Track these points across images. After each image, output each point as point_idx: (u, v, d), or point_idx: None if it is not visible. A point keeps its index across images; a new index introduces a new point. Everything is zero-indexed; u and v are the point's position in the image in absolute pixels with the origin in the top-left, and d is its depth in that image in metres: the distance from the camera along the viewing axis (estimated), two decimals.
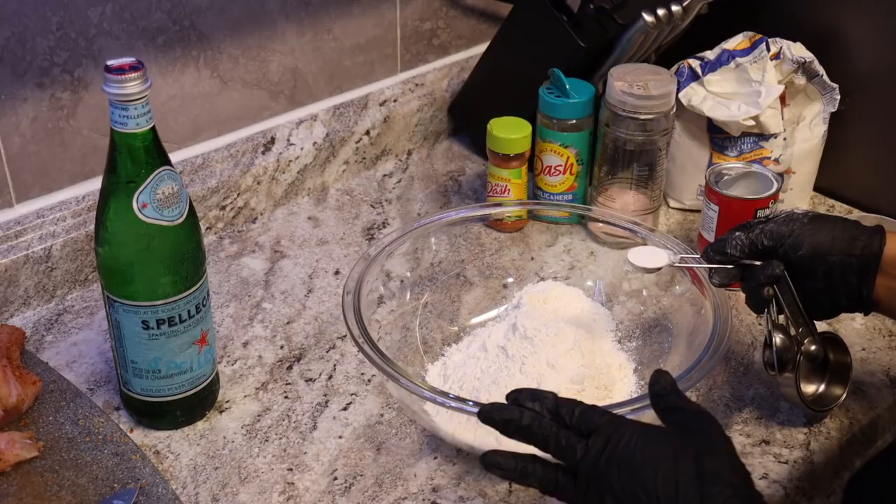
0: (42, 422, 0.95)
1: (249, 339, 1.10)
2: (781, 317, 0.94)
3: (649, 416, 0.92)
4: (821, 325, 0.98)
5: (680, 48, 1.31)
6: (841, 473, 1.01)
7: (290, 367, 1.06)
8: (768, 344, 0.94)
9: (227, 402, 1.02)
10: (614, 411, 0.88)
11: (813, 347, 0.95)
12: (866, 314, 0.94)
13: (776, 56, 1.22)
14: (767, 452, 0.97)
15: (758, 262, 0.94)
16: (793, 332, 0.94)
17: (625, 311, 1.09)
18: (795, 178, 1.28)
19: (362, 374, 1.06)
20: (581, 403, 0.80)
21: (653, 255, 0.99)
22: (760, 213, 1.14)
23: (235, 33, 1.22)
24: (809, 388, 0.98)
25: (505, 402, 0.81)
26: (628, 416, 0.91)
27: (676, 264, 0.98)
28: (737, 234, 0.95)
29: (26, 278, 1.10)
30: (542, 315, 1.03)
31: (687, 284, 1.04)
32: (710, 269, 0.96)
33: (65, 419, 0.95)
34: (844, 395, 0.99)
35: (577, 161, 1.24)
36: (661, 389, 0.81)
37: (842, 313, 0.95)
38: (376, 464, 0.96)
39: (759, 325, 1.10)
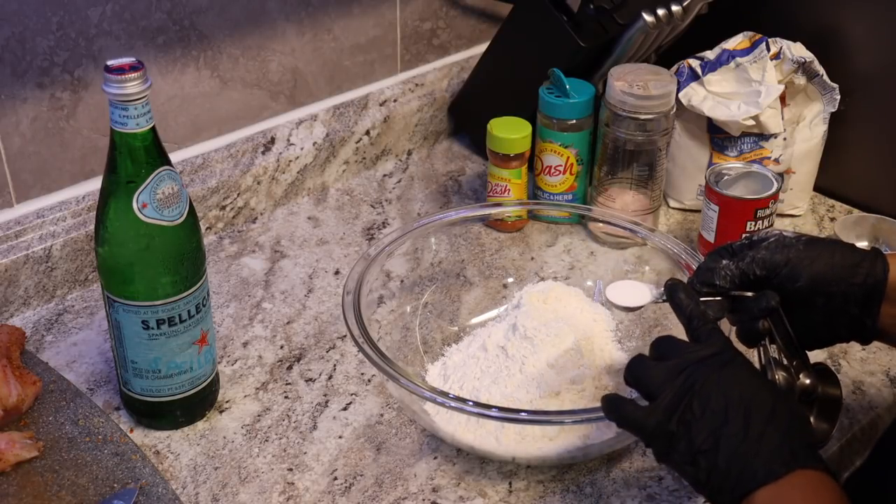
0: (42, 422, 0.95)
1: (249, 339, 1.10)
2: (773, 347, 0.87)
3: None
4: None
5: (680, 48, 1.31)
6: (841, 473, 1.01)
7: (290, 367, 1.06)
8: None
9: (227, 402, 1.02)
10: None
11: (808, 381, 0.88)
12: (865, 344, 0.88)
13: (776, 56, 1.22)
14: None
15: (749, 294, 0.87)
16: (786, 363, 0.88)
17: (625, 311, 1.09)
18: (795, 178, 1.27)
19: (362, 374, 1.06)
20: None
21: (634, 291, 0.93)
22: (760, 213, 1.14)
23: (235, 33, 1.22)
24: None
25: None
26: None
27: (661, 301, 0.90)
28: (724, 262, 0.87)
29: (26, 278, 1.10)
30: (542, 315, 1.03)
31: None
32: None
33: (65, 419, 0.95)
34: (833, 432, 0.91)
35: (577, 161, 1.24)
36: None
37: (838, 343, 0.89)
38: (376, 464, 0.95)
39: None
